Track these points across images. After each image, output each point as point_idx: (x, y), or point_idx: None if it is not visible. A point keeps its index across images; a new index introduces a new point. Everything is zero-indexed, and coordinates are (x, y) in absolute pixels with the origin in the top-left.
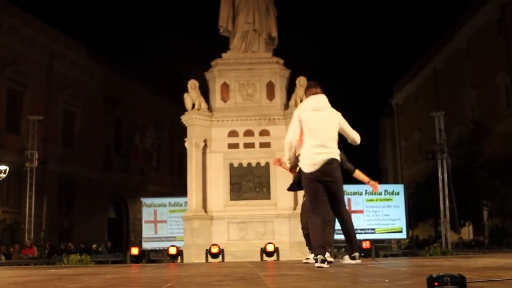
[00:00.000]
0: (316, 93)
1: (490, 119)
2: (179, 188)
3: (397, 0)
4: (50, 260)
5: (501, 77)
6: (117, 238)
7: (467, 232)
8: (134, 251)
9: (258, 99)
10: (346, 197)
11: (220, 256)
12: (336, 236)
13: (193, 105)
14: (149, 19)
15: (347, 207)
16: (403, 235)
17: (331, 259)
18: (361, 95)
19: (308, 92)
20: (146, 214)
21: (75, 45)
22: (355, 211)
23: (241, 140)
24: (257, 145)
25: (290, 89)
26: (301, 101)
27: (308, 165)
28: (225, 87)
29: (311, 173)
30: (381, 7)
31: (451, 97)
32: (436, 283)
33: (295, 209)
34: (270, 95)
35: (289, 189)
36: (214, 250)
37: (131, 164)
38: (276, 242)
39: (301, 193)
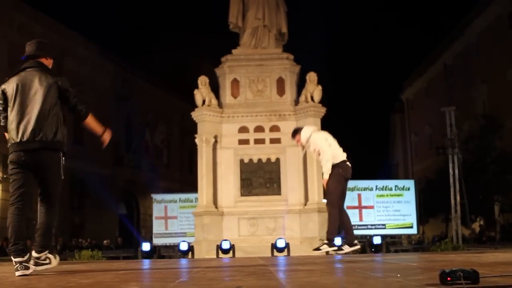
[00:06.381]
0: None
1: (501, 114)
2: (189, 184)
3: None
4: (61, 256)
5: None
6: (128, 234)
7: (478, 228)
8: (146, 247)
9: (268, 95)
10: (356, 193)
11: (231, 251)
12: None
13: (204, 101)
14: (160, 15)
15: (357, 203)
16: (413, 231)
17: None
18: (371, 90)
19: None
20: (157, 210)
21: (85, 42)
22: (366, 207)
23: (251, 136)
24: (267, 141)
25: (301, 85)
26: (311, 96)
27: None
28: (235, 83)
29: None
30: (391, 2)
31: (461, 92)
32: (449, 278)
33: (305, 204)
34: (280, 91)
35: None
36: (225, 245)
37: (142, 160)
38: (287, 237)
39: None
